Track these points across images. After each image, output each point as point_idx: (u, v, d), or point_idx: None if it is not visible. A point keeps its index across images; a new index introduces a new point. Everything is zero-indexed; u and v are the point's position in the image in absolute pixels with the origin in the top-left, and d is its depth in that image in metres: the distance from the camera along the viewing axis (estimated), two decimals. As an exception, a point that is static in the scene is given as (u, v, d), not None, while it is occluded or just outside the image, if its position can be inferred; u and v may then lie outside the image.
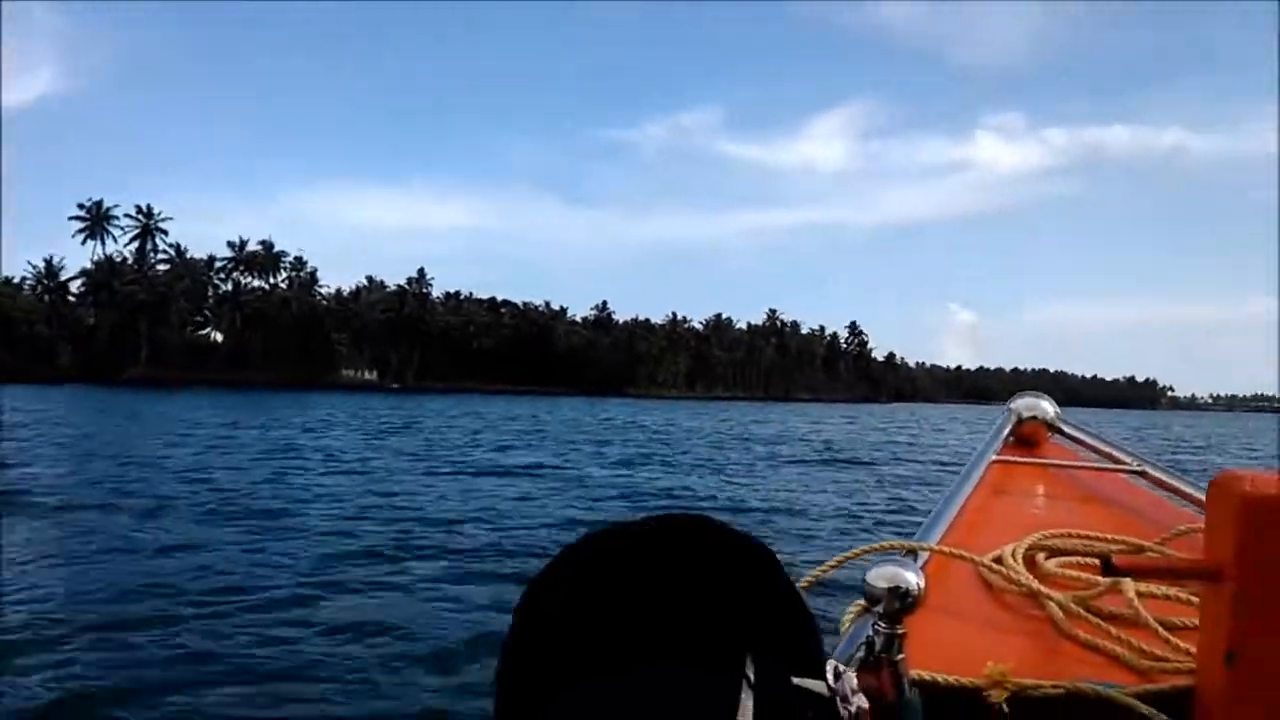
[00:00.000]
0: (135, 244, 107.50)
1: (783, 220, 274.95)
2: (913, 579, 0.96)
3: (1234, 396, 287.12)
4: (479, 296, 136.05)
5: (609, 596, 0.48)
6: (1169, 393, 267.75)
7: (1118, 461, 2.05)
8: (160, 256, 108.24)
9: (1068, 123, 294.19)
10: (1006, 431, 2.18)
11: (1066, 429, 2.22)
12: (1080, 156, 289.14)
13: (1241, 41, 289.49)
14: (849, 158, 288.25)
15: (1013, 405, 2.26)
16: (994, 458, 2.05)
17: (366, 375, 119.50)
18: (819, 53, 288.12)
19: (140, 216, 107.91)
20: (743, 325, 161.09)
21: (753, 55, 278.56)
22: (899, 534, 1.81)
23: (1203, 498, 1.58)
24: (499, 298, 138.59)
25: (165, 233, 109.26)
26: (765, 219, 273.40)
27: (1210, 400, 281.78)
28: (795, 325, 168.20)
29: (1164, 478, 1.91)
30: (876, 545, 1.42)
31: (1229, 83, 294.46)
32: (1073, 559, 1.47)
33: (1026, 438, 2.22)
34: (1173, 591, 1.28)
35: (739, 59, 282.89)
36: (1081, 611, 1.24)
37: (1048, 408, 2.23)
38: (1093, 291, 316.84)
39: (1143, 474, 1.96)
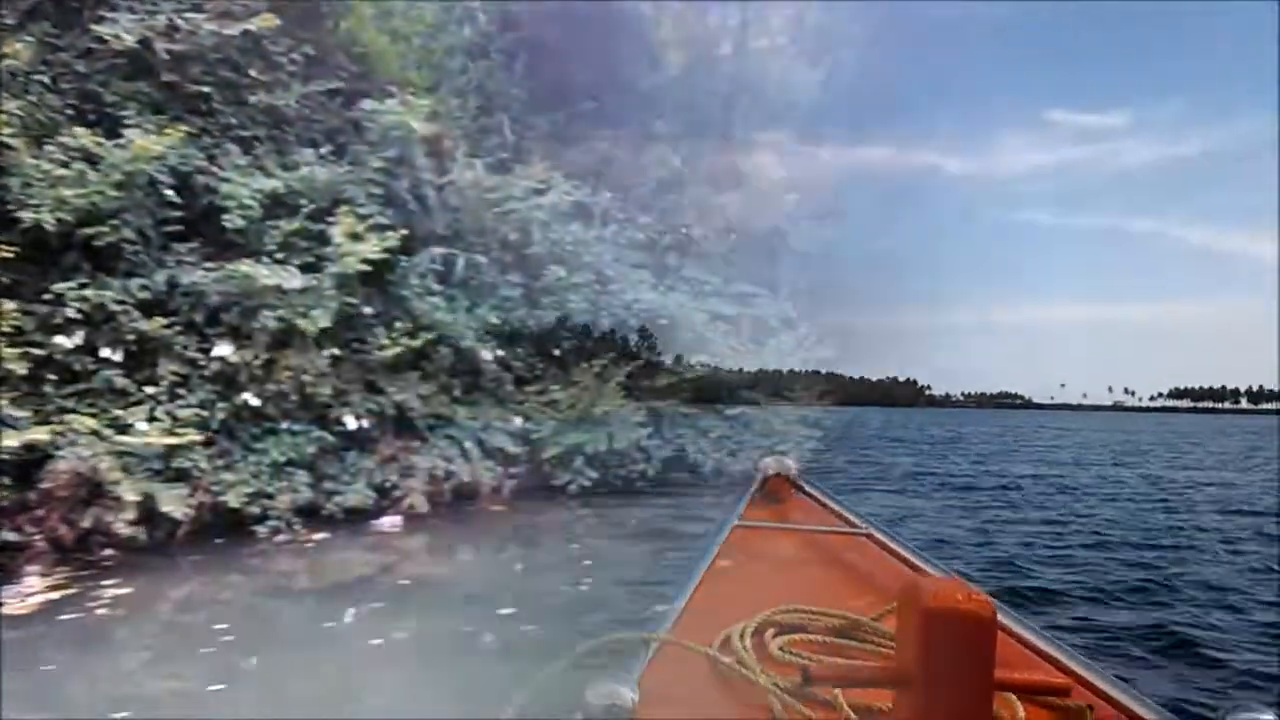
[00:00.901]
0: None
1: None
2: (628, 696, 1.05)
3: (983, 394, 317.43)
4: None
5: None
6: (927, 391, 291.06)
7: (850, 524, 2.07)
8: None
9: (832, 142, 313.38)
10: (753, 489, 2.23)
11: (806, 488, 2.25)
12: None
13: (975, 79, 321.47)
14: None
15: (760, 464, 2.30)
16: (737, 522, 2.08)
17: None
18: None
19: None
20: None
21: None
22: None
23: (920, 564, 1.85)
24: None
25: None
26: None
27: (962, 398, 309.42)
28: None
29: (887, 541, 1.94)
30: (608, 639, 1.40)
31: (970, 113, 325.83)
32: (798, 637, 1.48)
33: (772, 494, 2.26)
34: None
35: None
36: (796, 704, 1.25)
37: (790, 465, 2.28)
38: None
39: (869, 536, 1.96)
